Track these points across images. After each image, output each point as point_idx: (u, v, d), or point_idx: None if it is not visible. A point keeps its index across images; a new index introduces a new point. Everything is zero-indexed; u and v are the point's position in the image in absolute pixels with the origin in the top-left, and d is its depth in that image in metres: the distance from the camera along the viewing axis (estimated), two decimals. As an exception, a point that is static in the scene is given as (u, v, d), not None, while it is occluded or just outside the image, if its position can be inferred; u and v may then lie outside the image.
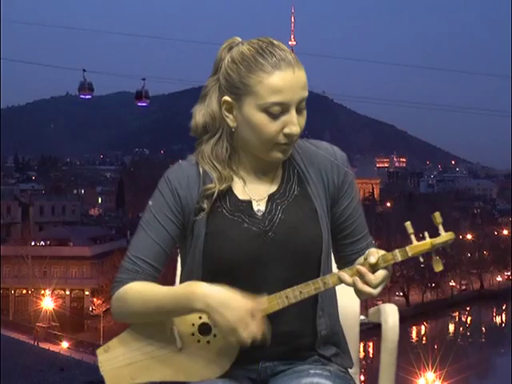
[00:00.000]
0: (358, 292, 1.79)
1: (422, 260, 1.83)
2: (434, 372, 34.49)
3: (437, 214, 1.82)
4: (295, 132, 1.80)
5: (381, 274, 1.78)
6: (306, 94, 1.81)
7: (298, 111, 1.81)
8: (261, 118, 1.79)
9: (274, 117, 1.79)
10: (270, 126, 1.79)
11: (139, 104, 27.12)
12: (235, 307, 1.70)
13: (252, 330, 1.70)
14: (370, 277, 1.77)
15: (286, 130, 1.80)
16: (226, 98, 1.84)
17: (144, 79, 26.73)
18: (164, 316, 1.82)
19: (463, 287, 66.26)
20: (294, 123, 1.80)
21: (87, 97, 26.94)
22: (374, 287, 1.77)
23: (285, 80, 1.77)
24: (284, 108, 1.78)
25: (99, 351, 1.87)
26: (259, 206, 1.89)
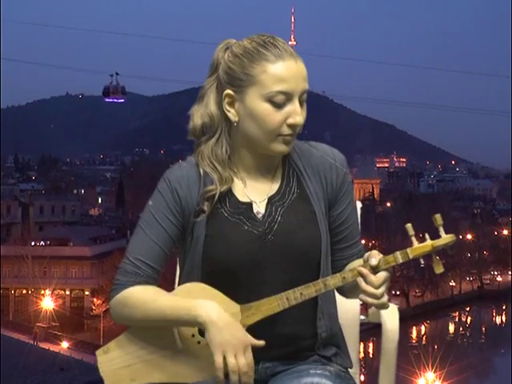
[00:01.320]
0: (363, 292, 1.78)
1: (422, 262, 1.84)
2: (434, 372, 34.50)
3: (437, 216, 1.82)
4: (299, 122, 1.81)
5: (382, 275, 1.78)
6: (307, 86, 1.82)
7: (300, 103, 1.82)
8: (265, 108, 1.80)
9: (278, 106, 1.80)
10: (274, 116, 1.80)
11: (106, 100, 27.23)
12: (234, 334, 1.71)
13: (240, 361, 1.71)
14: (372, 278, 1.77)
15: (290, 121, 1.80)
16: (228, 91, 1.84)
17: (112, 75, 26.89)
18: (165, 325, 1.82)
19: (487, 281, 66.38)
20: (297, 113, 1.80)
21: (120, 100, 26.90)
22: (377, 288, 1.77)
23: (288, 69, 1.79)
24: (288, 97, 1.79)
25: (99, 353, 1.86)
26: (259, 209, 1.88)
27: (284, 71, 1.78)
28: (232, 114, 1.85)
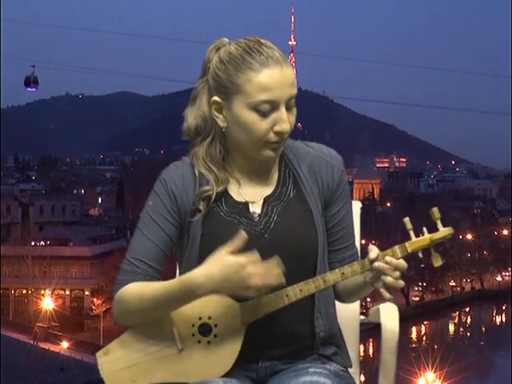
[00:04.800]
0: (383, 271, 1.78)
1: (421, 256, 1.84)
2: (434, 372, 34.51)
3: (435, 210, 1.83)
4: (285, 129, 1.81)
5: (401, 260, 1.80)
6: (294, 91, 1.81)
7: (288, 109, 1.81)
8: (250, 117, 1.79)
9: (264, 115, 1.79)
10: (260, 125, 1.80)
11: (28, 89, 28.14)
12: (231, 274, 1.70)
13: (257, 274, 1.69)
14: (392, 259, 1.79)
15: (277, 128, 1.80)
16: (215, 98, 1.84)
17: (34, 66, 27.71)
18: (163, 311, 1.82)
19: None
20: (284, 121, 1.80)
21: (33, 89, 27.94)
22: (395, 269, 1.78)
23: (273, 77, 1.77)
24: (273, 106, 1.79)
25: (99, 354, 1.86)
26: (255, 208, 1.89)
27: (269, 80, 1.77)
28: (220, 119, 1.85)
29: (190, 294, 1.75)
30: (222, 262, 1.71)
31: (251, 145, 1.83)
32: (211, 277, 1.71)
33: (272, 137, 1.81)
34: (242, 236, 1.73)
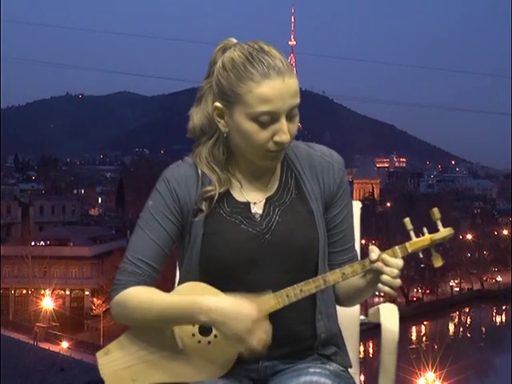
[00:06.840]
0: (382, 271, 1.78)
1: (421, 256, 1.84)
2: (434, 372, 34.50)
3: (435, 210, 1.82)
4: (285, 140, 1.80)
5: (399, 259, 1.80)
6: (296, 101, 1.79)
7: (289, 118, 1.80)
8: (250, 127, 1.79)
9: (264, 125, 1.78)
10: (260, 135, 1.79)
11: None
12: (240, 318, 1.70)
13: (259, 336, 1.70)
14: (391, 259, 1.79)
15: (276, 138, 1.79)
16: (217, 104, 1.83)
17: None
18: (165, 325, 1.82)
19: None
20: (283, 131, 1.79)
21: None
22: (394, 268, 1.78)
23: (274, 89, 1.75)
24: (273, 117, 1.77)
25: (99, 354, 1.87)
26: (257, 209, 1.89)
27: (269, 92, 1.75)
28: (222, 124, 1.85)
29: (192, 316, 1.75)
30: (239, 302, 1.72)
31: (251, 152, 1.83)
32: (220, 308, 1.72)
33: (271, 146, 1.80)
34: (270, 300, 1.75)
